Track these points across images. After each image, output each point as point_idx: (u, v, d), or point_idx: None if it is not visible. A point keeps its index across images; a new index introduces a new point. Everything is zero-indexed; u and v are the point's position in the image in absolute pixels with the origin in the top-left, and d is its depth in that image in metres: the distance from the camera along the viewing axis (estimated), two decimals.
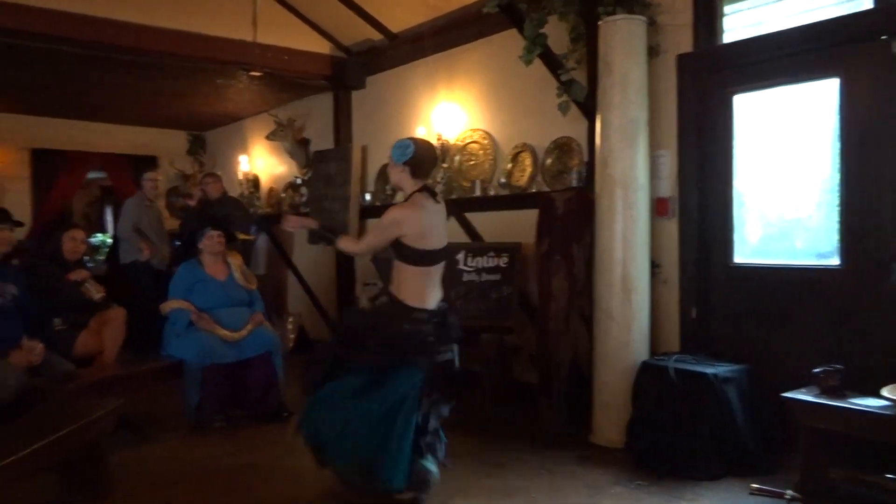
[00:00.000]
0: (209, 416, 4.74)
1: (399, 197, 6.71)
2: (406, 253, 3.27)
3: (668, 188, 4.47)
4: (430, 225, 3.30)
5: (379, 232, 3.39)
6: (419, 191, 3.35)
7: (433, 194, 3.39)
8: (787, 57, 3.98)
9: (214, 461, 4.16)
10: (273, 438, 4.63)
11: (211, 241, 5.11)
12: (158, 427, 4.74)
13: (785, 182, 4.14)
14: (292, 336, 7.72)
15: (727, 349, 4.16)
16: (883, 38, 3.59)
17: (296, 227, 3.95)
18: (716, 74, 4.31)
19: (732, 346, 4.18)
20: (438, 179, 6.02)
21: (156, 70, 6.65)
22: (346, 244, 3.61)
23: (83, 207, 12.16)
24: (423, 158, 3.35)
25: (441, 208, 3.44)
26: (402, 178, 3.38)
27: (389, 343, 3.23)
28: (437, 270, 3.38)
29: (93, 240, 10.44)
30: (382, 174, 6.89)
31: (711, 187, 4.35)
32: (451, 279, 4.71)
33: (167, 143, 10.16)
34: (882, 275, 3.61)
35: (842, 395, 3.21)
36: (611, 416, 4.24)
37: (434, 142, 5.93)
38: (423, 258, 3.28)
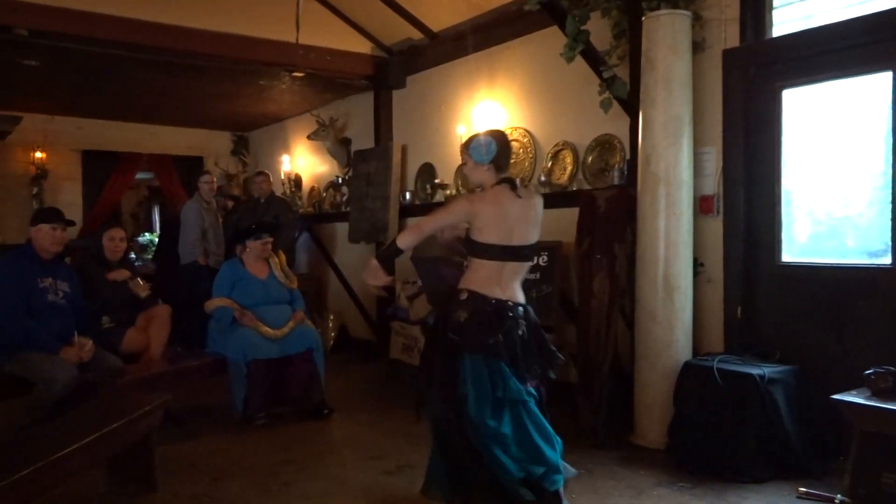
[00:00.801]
0: (253, 413, 4.82)
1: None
2: (473, 247, 3.08)
3: (713, 185, 4.39)
4: (502, 219, 3.04)
5: (444, 213, 3.15)
6: (498, 184, 3.12)
7: (514, 187, 3.12)
8: (838, 51, 3.88)
9: (257, 457, 4.22)
10: (315, 435, 4.69)
11: (264, 245, 5.23)
12: (203, 423, 4.83)
13: (835, 179, 4.03)
14: (333, 334, 7.81)
15: (774, 350, 4.06)
16: None
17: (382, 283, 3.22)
18: (764, 69, 4.21)
19: (779, 346, 4.08)
20: None
21: (201, 72, 6.79)
22: (403, 239, 3.14)
23: (132, 207, 12.49)
24: (504, 152, 3.16)
25: (525, 203, 3.11)
26: (486, 177, 3.15)
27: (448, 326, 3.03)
28: (509, 269, 3.09)
29: (140, 239, 10.70)
30: (422, 173, 6.91)
31: (758, 184, 4.26)
32: None
33: (212, 144, 10.37)
34: None
35: (894, 398, 3.12)
36: (652, 417, 4.19)
37: None
38: (485, 252, 3.05)
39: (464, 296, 3.05)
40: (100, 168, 9.53)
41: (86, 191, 9.51)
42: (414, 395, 3.39)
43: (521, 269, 3.17)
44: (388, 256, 3.20)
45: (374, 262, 3.16)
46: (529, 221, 3.13)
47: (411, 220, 6.87)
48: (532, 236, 3.15)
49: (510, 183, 3.11)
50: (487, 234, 3.04)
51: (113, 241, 5.06)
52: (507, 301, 3.07)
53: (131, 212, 12.44)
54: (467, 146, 3.16)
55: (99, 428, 3.17)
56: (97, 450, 3.17)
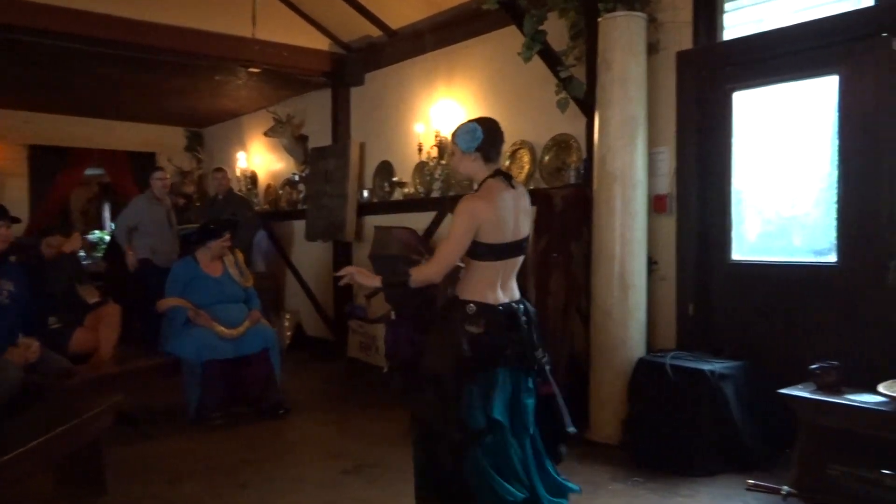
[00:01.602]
0: (209, 413, 4.74)
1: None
2: (475, 249, 2.85)
3: (667, 185, 4.46)
4: (503, 216, 2.87)
5: (457, 232, 2.84)
6: (492, 176, 2.91)
7: (508, 178, 2.94)
8: (787, 54, 3.98)
9: (214, 458, 4.16)
10: (272, 435, 4.64)
11: (225, 243, 5.16)
12: (158, 424, 4.74)
13: (783, 179, 4.15)
14: (289, 333, 7.75)
15: (725, 346, 4.16)
16: (883, 35, 3.59)
17: (354, 280, 3.08)
18: (715, 71, 4.30)
19: (730, 343, 4.19)
20: (437, 176, 6.02)
21: (155, 66, 6.64)
22: (419, 275, 2.94)
23: (82, 204, 12.15)
24: (493, 139, 2.91)
25: (518, 194, 2.96)
26: (474, 168, 2.92)
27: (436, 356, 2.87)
28: (508, 266, 2.94)
29: (90, 237, 10.43)
30: (380, 171, 6.88)
31: (710, 184, 4.35)
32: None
33: (165, 140, 10.14)
34: (880, 272, 3.61)
35: (838, 392, 3.22)
36: (608, 413, 4.25)
37: (432, 139, 5.94)
38: (488, 252, 2.86)
39: (471, 308, 2.85)
40: (48, 163, 9.27)
41: (32, 187, 9.25)
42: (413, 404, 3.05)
43: (517, 264, 3.02)
44: (394, 285, 3.03)
45: (374, 277, 3.04)
46: (521, 211, 2.98)
47: (370, 219, 6.85)
48: (526, 228, 3.01)
49: (504, 175, 2.93)
50: (492, 235, 2.87)
51: (50, 247, 5.00)
52: (511, 303, 2.94)
53: (81, 209, 12.10)
54: (454, 134, 2.98)
55: (46, 431, 3.08)
56: (44, 454, 3.08)
